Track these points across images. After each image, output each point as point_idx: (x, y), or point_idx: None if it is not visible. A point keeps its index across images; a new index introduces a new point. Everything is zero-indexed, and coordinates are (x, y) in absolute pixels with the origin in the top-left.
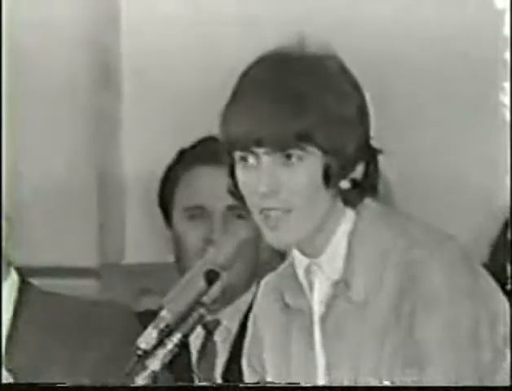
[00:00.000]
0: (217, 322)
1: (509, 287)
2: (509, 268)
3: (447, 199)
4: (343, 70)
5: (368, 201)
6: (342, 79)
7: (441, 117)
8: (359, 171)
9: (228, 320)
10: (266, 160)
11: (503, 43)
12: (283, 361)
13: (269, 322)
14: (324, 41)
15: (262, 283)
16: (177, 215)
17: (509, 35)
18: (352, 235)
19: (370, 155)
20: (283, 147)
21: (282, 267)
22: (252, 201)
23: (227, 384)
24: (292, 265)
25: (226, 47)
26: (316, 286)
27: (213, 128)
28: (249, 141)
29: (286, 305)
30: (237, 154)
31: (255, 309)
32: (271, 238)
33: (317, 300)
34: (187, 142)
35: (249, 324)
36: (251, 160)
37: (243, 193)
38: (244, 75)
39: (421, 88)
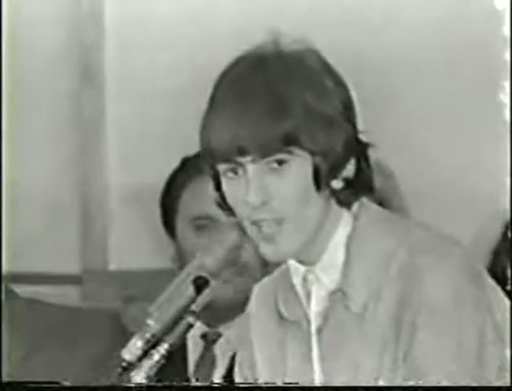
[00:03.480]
0: (218, 335)
1: (509, 287)
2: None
3: (446, 200)
4: (323, 64)
5: (366, 203)
6: (323, 75)
7: (441, 117)
8: (350, 168)
9: (230, 332)
10: (252, 169)
11: (503, 43)
12: (277, 374)
13: (262, 332)
14: (300, 36)
15: (256, 290)
16: (182, 226)
17: (509, 35)
18: (350, 241)
19: (360, 150)
20: (269, 152)
21: (276, 274)
22: (242, 213)
23: (227, 384)
24: (287, 273)
25: (213, 46)
26: (313, 295)
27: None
28: (233, 151)
29: (281, 316)
30: (221, 166)
31: (249, 314)
32: (267, 251)
33: (314, 311)
34: (173, 146)
35: (242, 332)
36: (236, 170)
37: (231, 205)
38: (221, 79)
39: (420, 88)
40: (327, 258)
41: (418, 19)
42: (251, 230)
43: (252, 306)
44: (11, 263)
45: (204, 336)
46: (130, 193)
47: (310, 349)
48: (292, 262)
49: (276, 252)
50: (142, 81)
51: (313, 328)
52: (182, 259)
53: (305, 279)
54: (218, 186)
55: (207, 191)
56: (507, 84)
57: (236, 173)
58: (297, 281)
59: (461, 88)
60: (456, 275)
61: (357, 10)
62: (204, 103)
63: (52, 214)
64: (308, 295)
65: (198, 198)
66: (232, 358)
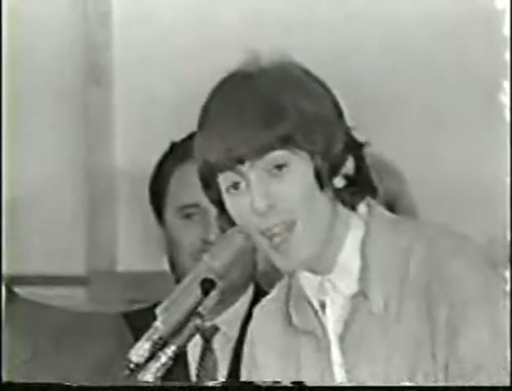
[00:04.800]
0: (215, 329)
1: (509, 287)
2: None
3: (446, 201)
4: (306, 73)
5: (375, 206)
6: (308, 80)
7: (441, 118)
8: (349, 166)
9: (227, 326)
10: (253, 175)
11: (503, 43)
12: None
13: (270, 347)
14: (280, 51)
15: (258, 307)
16: (170, 213)
17: (509, 35)
18: (364, 244)
19: (356, 148)
20: (266, 151)
21: (281, 286)
22: (250, 225)
23: (229, 384)
24: (296, 284)
25: (218, 46)
26: (329, 303)
27: None
28: (231, 160)
29: (292, 327)
30: (223, 183)
31: (252, 333)
32: (279, 260)
33: (333, 319)
34: None
35: (245, 350)
36: (238, 181)
37: (237, 221)
38: (210, 98)
39: (420, 89)
40: (343, 265)
41: (418, 18)
42: (262, 242)
43: (256, 322)
44: (16, 265)
45: (202, 333)
46: (137, 193)
47: (329, 358)
48: (303, 274)
49: (289, 261)
50: (149, 81)
51: (333, 337)
52: (171, 249)
53: (320, 289)
54: (221, 209)
55: (195, 179)
56: (507, 84)
57: (237, 188)
58: (310, 291)
59: (462, 88)
60: (479, 258)
61: (359, 11)
62: None
63: (58, 215)
64: (323, 304)
65: (186, 186)
66: (233, 353)
